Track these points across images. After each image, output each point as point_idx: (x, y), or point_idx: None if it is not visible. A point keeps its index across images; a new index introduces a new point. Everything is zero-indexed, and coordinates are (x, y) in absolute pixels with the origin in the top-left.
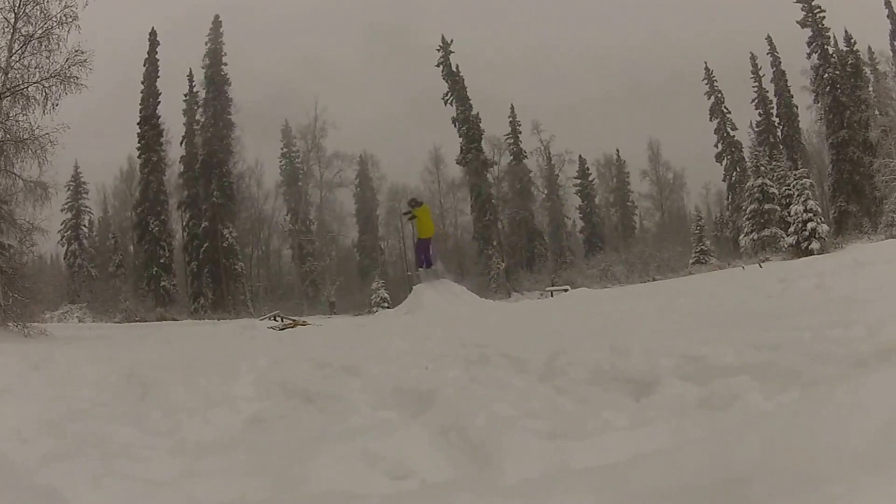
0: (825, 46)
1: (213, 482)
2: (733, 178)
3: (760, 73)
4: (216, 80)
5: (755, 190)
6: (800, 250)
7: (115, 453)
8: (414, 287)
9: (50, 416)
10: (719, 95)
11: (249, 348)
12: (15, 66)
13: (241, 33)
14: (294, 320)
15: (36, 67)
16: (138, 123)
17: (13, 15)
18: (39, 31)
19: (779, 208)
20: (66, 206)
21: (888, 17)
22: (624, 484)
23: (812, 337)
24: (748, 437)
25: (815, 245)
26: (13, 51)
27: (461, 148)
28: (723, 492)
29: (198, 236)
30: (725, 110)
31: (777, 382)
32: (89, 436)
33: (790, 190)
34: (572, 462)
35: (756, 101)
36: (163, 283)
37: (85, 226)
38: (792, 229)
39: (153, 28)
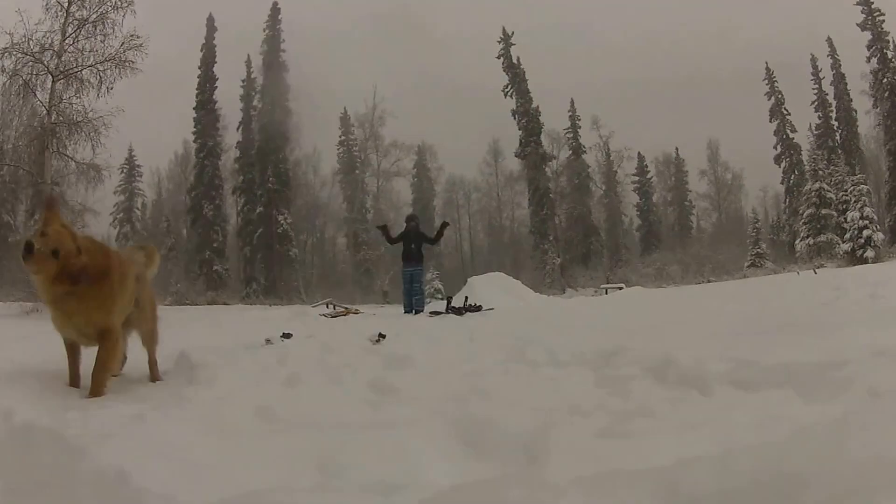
0: (884, 51)
1: (257, 466)
2: (791, 182)
3: (821, 75)
4: (274, 66)
5: (812, 194)
6: (855, 258)
7: (161, 434)
8: (469, 279)
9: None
10: (779, 97)
11: (301, 333)
12: (69, 50)
13: (299, 21)
14: (347, 308)
15: (90, 51)
16: (194, 108)
17: None
18: (94, 16)
19: (835, 214)
20: (119, 189)
21: None
22: (678, 487)
23: (865, 347)
24: (799, 446)
25: (870, 253)
26: (66, 34)
27: (520, 141)
28: (777, 499)
29: (252, 221)
30: (785, 112)
31: (828, 392)
32: (136, 417)
33: (847, 196)
34: (622, 463)
35: (816, 103)
36: (215, 268)
37: (138, 208)
38: (848, 236)
39: (210, 14)
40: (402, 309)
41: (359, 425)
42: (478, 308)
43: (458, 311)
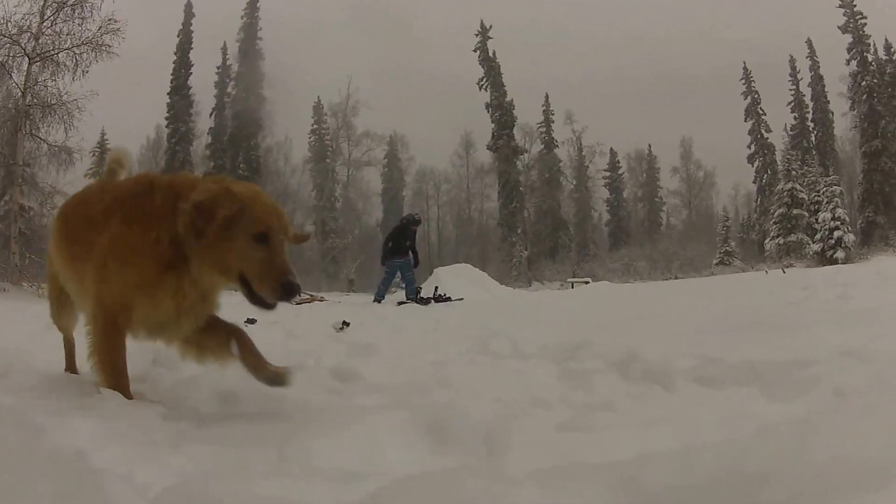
0: (865, 54)
1: (215, 449)
2: (764, 181)
3: (798, 76)
4: (250, 54)
5: (784, 194)
6: (825, 258)
7: (121, 416)
8: (435, 270)
9: (60, 375)
10: (756, 96)
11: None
12: (46, 33)
13: (277, 10)
14: (312, 295)
15: (68, 34)
16: (168, 93)
17: None
18: None
19: (807, 214)
20: (90, 172)
21: None
22: (638, 481)
23: (832, 348)
24: (762, 443)
25: (839, 254)
26: (45, 17)
27: (493, 134)
28: (736, 497)
29: None
30: (761, 112)
31: (793, 391)
32: (96, 397)
33: (819, 196)
34: (582, 456)
35: (792, 104)
36: None
37: None
38: (818, 236)
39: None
40: (369, 297)
41: (320, 412)
42: (447, 298)
43: (424, 301)
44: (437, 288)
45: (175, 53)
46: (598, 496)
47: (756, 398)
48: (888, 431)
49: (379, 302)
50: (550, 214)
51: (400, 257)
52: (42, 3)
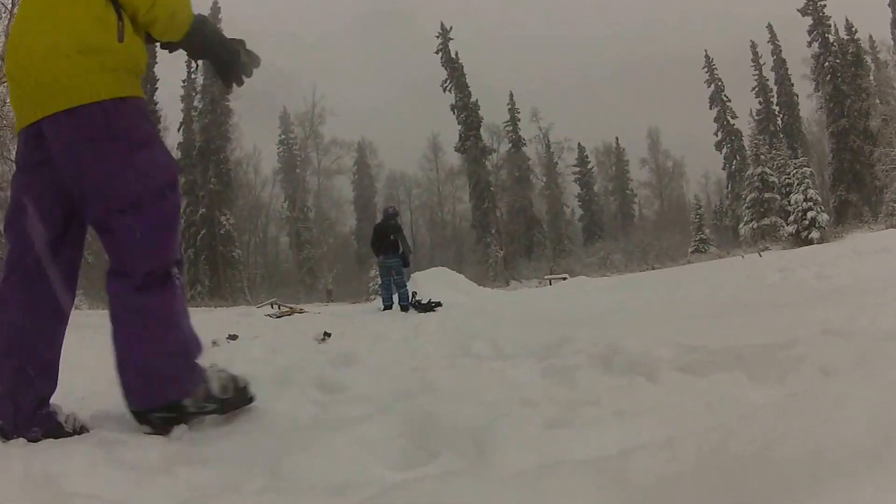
0: (826, 35)
1: (207, 470)
2: (733, 167)
3: (761, 61)
4: None
5: (755, 178)
6: (800, 240)
7: (109, 440)
8: (412, 275)
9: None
10: (719, 84)
11: (247, 334)
12: None
13: (239, 19)
14: (291, 308)
15: None
16: None
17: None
18: None
19: (779, 197)
20: None
21: (889, 5)
22: (624, 475)
23: (811, 327)
24: (747, 430)
25: (814, 234)
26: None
27: (460, 135)
28: (723, 484)
29: (195, 223)
30: (725, 98)
31: (776, 374)
32: (83, 423)
33: (790, 179)
34: (570, 452)
35: (756, 89)
36: None
37: None
38: (792, 218)
39: None
40: (348, 306)
41: (307, 425)
42: (429, 304)
43: (424, 308)
44: (415, 294)
45: None
46: (585, 492)
47: (741, 382)
48: (872, 411)
49: (390, 308)
50: (523, 213)
51: (387, 257)
52: (7, 23)
